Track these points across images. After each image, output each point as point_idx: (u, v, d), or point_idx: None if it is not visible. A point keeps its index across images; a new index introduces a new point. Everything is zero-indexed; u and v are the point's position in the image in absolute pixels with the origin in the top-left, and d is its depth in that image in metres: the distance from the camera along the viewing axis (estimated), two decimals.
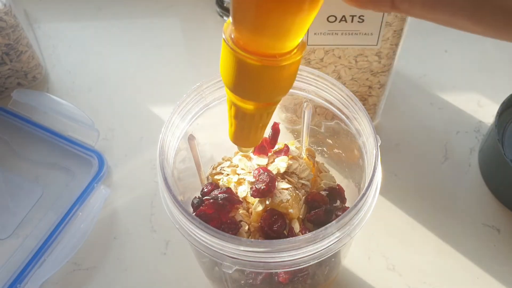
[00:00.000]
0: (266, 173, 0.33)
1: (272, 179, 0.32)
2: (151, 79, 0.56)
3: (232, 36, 0.24)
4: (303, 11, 0.21)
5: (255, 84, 0.24)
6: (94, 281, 0.43)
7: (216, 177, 0.37)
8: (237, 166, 0.36)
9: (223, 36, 0.24)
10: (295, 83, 0.35)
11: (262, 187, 0.32)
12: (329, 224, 0.27)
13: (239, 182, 0.35)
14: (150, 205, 0.47)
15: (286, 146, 0.36)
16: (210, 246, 0.28)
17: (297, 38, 0.23)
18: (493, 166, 0.46)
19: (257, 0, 0.21)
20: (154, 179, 0.48)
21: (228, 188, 0.34)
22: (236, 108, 0.27)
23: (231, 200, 0.33)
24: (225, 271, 0.29)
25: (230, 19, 0.23)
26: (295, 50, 0.24)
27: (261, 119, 0.27)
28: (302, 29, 0.23)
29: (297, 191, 0.34)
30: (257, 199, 0.33)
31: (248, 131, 0.28)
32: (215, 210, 0.32)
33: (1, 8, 0.47)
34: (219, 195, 0.33)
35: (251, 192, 0.33)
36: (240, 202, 0.33)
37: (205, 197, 0.33)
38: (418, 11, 0.20)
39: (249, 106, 0.26)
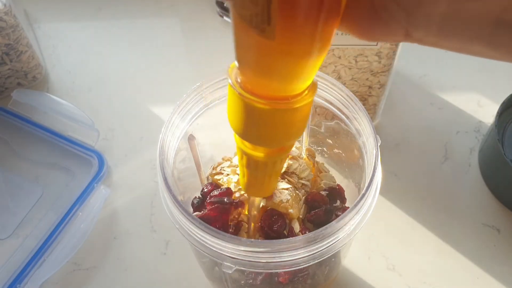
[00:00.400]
0: None
1: None
2: (151, 79, 0.56)
3: (238, 80, 0.22)
4: (313, 55, 0.19)
5: (266, 129, 0.23)
6: (94, 281, 0.43)
7: (216, 177, 0.37)
8: (237, 166, 0.36)
9: (229, 81, 0.22)
10: None
11: None
12: (329, 224, 0.27)
13: (239, 182, 0.35)
14: (150, 205, 0.47)
15: None
16: (210, 246, 0.28)
17: (309, 80, 0.22)
18: (493, 166, 0.46)
19: (262, 45, 0.19)
20: (154, 179, 0.48)
21: (228, 188, 0.34)
22: (247, 158, 0.25)
23: (235, 203, 0.33)
24: (225, 271, 0.29)
25: (235, 62, 0.22)
26: (306, 91, 0.22)
27: (274, 166, 0.26)
28: (313, 71, 0.21)
29: (297, 191, 0.34)
30: None
31: (262, 180, 0.27)
32: (218, 214, 0.32)
33: (1, 8, 0.47)
34: (225, 199, 0.33)
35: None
36: (243, 205, 0.33)
37: (209, 200, 0.33)
38: (433, 39, 0.19)
39: (260, 154, 0.25)
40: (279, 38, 0.18)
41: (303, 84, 0.22)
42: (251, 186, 0.28)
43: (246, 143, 0.25)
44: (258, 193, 0.29)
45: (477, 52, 0.18)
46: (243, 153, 0.25)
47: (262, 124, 0.22)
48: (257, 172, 0.26)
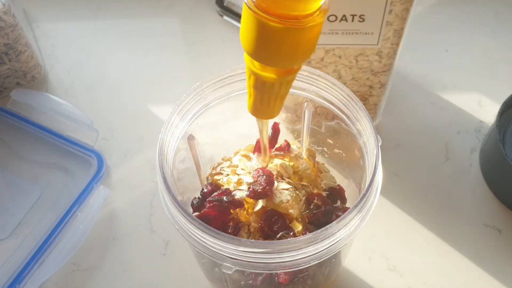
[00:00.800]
0: (265, 176, 0.32)
1: (270, 182, 0.32)
2: (151, 79, 0.56)
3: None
4: None
5: (277, 48, 0.24)
6: (94, 282, 0.43)
7: (216, 177, 0.37)
8: (237, 166, 0.36)
9: (245, 0, 0.24)
10: (295, 83, 0.35)
11: (258, 190, 0.32)
12: (330, 224, 0.27)
13: (239, 183, 0.35)
14: (150, 205, 0.46)
15: (287, 142, 0.36)
16: (209, 247, 0.28)
17: None
18: (494, 166, 0.46)
19: None
20: (153, 179, 0.48)
21: (227, 189, 0.34)
22: (255, 77, 0.26)
23: (235, 203, 0.33)
24: (225, 272, 0.28)
25: None
26: (317, 13, 0.24)
27: (280, 88, 0.27)
28: None
29: (297, 192, 0.34)
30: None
31: (267, 101, 0.28)
32: (218, 212, 0.32)
33: (0, 7, 0.47)
34: (223, 197, 0.33)
35: (247, 192, 0.32)
36: (242, 205, 0.33)
37: (209, 199, 0.33)
38: None
39: (269, 74, 0.26)
40: None
41: (315, 3, 0.23)
42: (256, 107, 0.29)
43: (256, 63, 0.26)
44: (263, 114, 0.30)
45: None
46: (252, 73, 0.26)
47: (273, 43, 0.24)
48: (263, 93, 0.27)
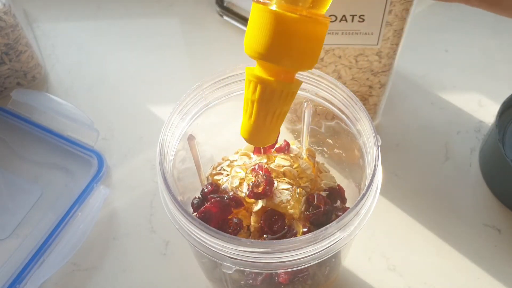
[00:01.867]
0: (265, 176, 0.32)
1: (269, 182, 0.32)
2: (151, 79, 0.56)
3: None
4: None
5: (290, 41, 0.25)
6: (94, 282, 0.43)
7: (216, 177, 0.37)
8: (237, 165, 0.36)
9: None
10: None
11: (258, 190, 0.32)
12: (330, 224, 0.27)
13: (240, 183, 0.35)
14: (150, 205, 0.47)
15: (286, 142, 0.36)
16: (209, 247, 0.28)
17: None
18: (493, 166, 0.46)
19: None
20: (153, 179, 0.48)
21: (226, 189, 0.34)
22: (263, 87, 0.26)
23: (236, 201, 0.33)
24: (225, 272, 0.28)
25: None
26: (323, 15, 0.25)
27: (286, 100, 0.27)
28: None
29: (297, 192, 0.34)
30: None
31: (271, 118, 0.27)
32: (219, 209, 0.32)
33: (0, 7, 0.47)
34: (225, 196, 0.33)
35: (247, 193, 0.33)
36: (243, 203, 0.33)
37: (211, 195, 0.33)
38: None
39: (276, 78, 0.26)
40: None
41: (329, 2, 0.25)
42: (257, 129, 0.27)
43: (261, 72, 0.26)
44: (262, 138, 0.28)
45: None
46: (259, 83, 0.26)
47: (286, 37, 0.25)
48: (269, 106, 0.26)
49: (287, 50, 0.25)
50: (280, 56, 0.25)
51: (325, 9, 0.25)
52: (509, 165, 0.42)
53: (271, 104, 0.27)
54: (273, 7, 0.25)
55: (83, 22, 0.61)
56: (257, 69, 0.27)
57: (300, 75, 0.34)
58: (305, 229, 0.33)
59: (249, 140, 0.28)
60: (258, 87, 0.26)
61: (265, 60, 0.26)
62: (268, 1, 0.25)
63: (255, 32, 0.25)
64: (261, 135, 0.28)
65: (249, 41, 0.26)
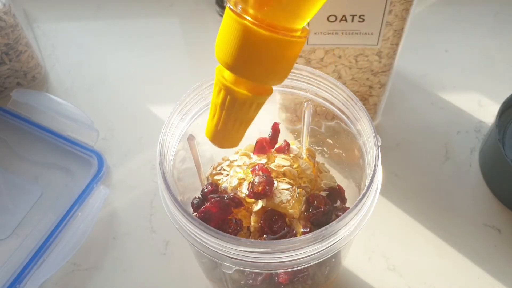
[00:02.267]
0: (265, 176, 0.33)
1: (269, 182, 0.32)
2: (151, 79, 0.56)
3: (239, 6, 0.22)
4: None
5: (258, 57, 0.23)
6: (94, 282, 0.43)
7: (216, 177, 0.37)
8: (237, 165, 0.36)
9: (228, 5, 0.22)
10: (295, 83, 0.35)
11: (258, 190, 0.32)
12: (330, 224, 0.27)
13: (240, 183, 0.35)
14: (150, 205, 0.47)
15: (286, 142, 0.36)
16: (209, 247, 0.28)
17: (309, 15, 0.23)
18: (493, 166, 0.46)
19: None
20: (153, 179, 0.48)
21: (226, 189, 0.34)
22: (226, 94, 0.25)
23: (236, 201, 0.33)
24: (225, 272, 0.28)
25: None
26: (298, 33, 0.23)
27: (249, 109, 0.25)
28: (316, 6, 0.22)
29: (297, 192, 0.34)
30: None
31: (233, 124, 0.26)
32: (219, 209, 0.32)
33: (0, 7, 0.47)
34: (225, 196, 0.33)
35: (247, 193, 0.33)
36: (243, 203, 0.33)
37: (211, 195, 0.33)
38: None
39: (242, 90, 0.24)
40: None
41: (309, 17, 0.23)
42: (219, 131, 0.26)
43: (230, 77, 0.25)
44: (224, 141, 0.27)
45: None
46: (223, 89, 0.25)
47: (254, 52, 0.23)
48: (231, 113, 0.25)
49: (255, 66, 0.23)
50: (248, 71, 0.24)
51: (301, 24, 0.23)
52: (509, 165, 0.42)
53: (239, 113, 0.25)
54: (247, 17, 0.22)
55: (83, 22, 0.61)
56: (227, 75, 0.25)
57: (300, 75, 0.34)
58: (305, 229, 0.33)
59: (213, 141, 0.28)
60: (227, 97, 0.25)
61: (232, 72, 0.24)
62: (240, 10, 0.22)
63: (224, 40, 0.23)
64: (225, 139, 0.27)
65: (219, 48, 0.24)
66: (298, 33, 0.23)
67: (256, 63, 0.23)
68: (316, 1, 0.22)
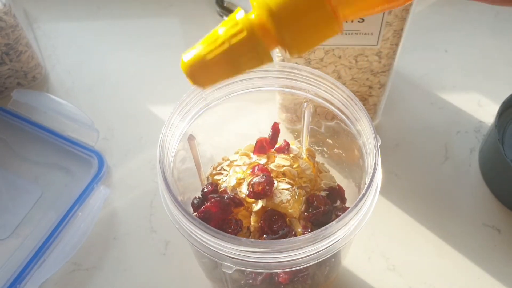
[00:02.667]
0: (265, 176, 0.33)
1: (270, 182, 0.32)
2: (151, 79, 0.56)
3: None
4: None
5: (300, 15, 0.23)
6: (94, 281, 0.43)
7: (216, 177, 0.37)
8: (237, 165, 0.36)
9: None
10: (295, 83, 0.35)
11: (258, 190, 0.32)
12: (329, 224, 0.27)
13: (239, 183, 0.35)
14: (150, 205, 0.47)
15: (286, 142, 0.36)
16: (210, 247, 0.28)
17: (361, 15, 0.24)
18: (493, 166, 0.46)
19: None
20: (154, 179, 0.48)
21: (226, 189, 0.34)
22: (243, 28, 0.24)
23: (236, 201, 0.33)
24: (225, 272, 0.29)
25: None
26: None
27: (250, 57, 0.24)
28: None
29: (297, 192, 0.34)
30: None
31: (225, 62, 0.24)
32: (219, 209, 0.32)
33: (0, 7, 0.47)
34: (225, 196, 0.33)
35: (247, 193, 0.33)
36: (243, 203, 0.33)
37: (211, 195, 0.33)
38: None
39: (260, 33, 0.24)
40: None
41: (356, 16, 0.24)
42: (206, 62, 0.25)
43: (255, 19, 0.24)
44: (201, 76, 0.26)
45: None
46: (242, 23, 0.24)
47: (299, 10, 0.23)
48: (233, 49, 0.24)
49: (292, 21, 0.23)
50: (282, 22, 0.23)
51: (349, 18, 0.24)
52: (509, 165, 0.42)
53: (240, 54, 0.24)
54: None
55: (83, 23, 0.61)
56: (254, 18, 0.24)
57: (300, 75, 0.34)
58: (305, 229, 0.33)
59: (190, 69, 0.25)
60: (243, 32, 0.24)
61: (271, 16, 0.23)
62: None
63: None
64: (203, 74, 0.25)
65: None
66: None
67: (295, 19, 0.23)
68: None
